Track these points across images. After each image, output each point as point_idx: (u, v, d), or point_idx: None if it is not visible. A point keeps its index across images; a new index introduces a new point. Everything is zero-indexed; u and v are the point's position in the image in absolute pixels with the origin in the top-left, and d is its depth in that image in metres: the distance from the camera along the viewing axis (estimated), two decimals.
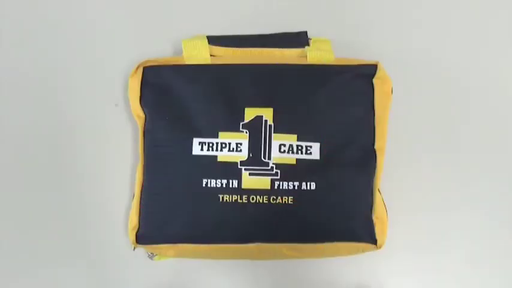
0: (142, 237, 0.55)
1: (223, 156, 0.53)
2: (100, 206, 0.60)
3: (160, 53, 0.61)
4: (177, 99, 0.55)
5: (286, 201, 0.52)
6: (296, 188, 0.52)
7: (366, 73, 0.55)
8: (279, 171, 0.53)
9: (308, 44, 0.57)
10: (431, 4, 0.64)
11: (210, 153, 0.53)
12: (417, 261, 0.59)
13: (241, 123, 0.54)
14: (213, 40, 0.57)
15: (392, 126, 0.56)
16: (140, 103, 0.56)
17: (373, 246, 0.54)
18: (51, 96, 0.62)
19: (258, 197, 0.52)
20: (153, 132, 0.56)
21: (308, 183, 0.52)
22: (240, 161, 0.53)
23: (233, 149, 0.53)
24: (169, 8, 0.64)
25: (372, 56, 0.57)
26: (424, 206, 0.60)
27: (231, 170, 0.53)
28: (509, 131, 0.62)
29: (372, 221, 0.54)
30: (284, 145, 0.53)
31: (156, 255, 0.57)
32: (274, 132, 0.53)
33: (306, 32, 0.59)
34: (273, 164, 0.53)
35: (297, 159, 0.53)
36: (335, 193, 0.53)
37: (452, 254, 0.60)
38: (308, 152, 0.53)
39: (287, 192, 0.52)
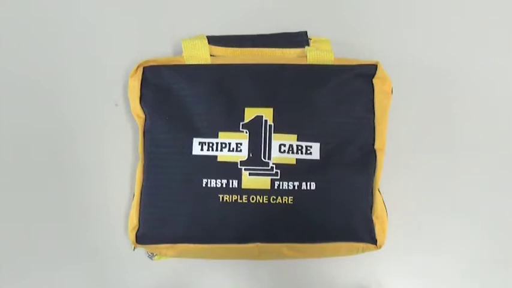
0: (142, 237, 0.55)
1: (223, 156, 0.53)
2: (100, 206, 0.60)
3: (160, 53, 0.61)
4: (177, 99, 0.55)
5: (286, 201, 0.52)
6: (296, 188, 0.52)
7: (365, 73, 0.55)
8: (279, 171, 0.53)
9: (308, 44, 0.57)
10: (431, 4, 0.64)
11: (210, 153, 0.53)
12: (417, 261, 0.59)
13: (241, 123, 0.54)
14: (213, 40, 0.57)
15: (392, 126, 0.56)
16: (140, 103, 0.56)
17: (373, 246, 0.54)
18: (51, 96, 0.62)
19: (258, 197, 0.52)
20: (153, 132, 0.56)
21: (308, 183, 0.52)
22: (240, 161, 0.53)
23: (233, 149, 0.53)
24: (169, 8, 0.64)
25: (372, 56, 0.57)
26: (424, 206, 0.60)
27: (231, 170, 0.53)
28: (509, 131, 0.62)
29: (371, 221, 0.54)
30: (284, 145, 0.53)
31: (156, 255, 0.57)
32: (274, 132, 0.53)
33: (306, 32, 0.59)
34: (273, 164, 0.53)
35: (297, 159, 0.53)
36: (335, 193, 0.53)
37: (452, 254, 0.60)
38: (308, 152, 0.53)
39: (287, 192, 0.52)
